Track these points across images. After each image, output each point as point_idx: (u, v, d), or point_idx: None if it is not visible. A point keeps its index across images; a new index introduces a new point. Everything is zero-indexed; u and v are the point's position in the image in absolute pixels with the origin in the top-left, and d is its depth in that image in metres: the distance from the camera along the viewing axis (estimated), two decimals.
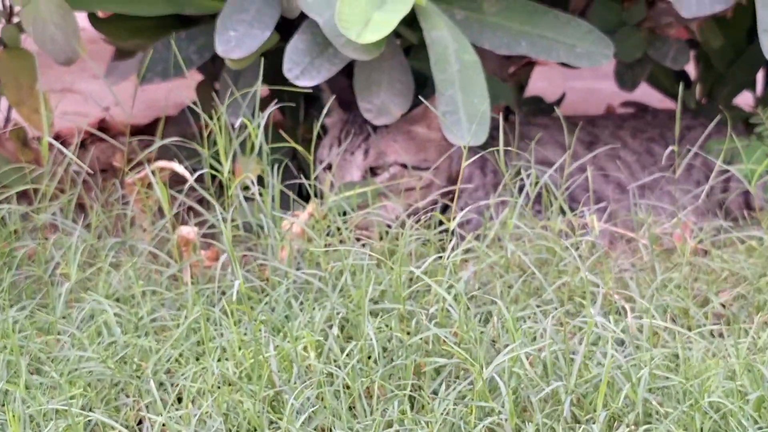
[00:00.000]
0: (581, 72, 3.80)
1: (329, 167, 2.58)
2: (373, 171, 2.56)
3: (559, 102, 3.45)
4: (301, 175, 2.73)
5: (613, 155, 2.95)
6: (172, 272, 2.01)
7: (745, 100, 3.28)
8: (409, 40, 2.64)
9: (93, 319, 1.86)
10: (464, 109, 2.38)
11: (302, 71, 2.34)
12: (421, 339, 1.78)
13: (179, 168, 2.32)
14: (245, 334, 1.83)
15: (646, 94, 3.34)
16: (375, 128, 2.57)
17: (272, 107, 2.17)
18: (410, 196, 2.54)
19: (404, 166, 2.58)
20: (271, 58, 2.57)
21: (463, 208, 2.61)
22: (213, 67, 2.92)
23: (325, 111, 2.40)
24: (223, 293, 1.99)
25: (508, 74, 3.22)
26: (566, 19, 2.57)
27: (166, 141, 2.21)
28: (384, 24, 2.25)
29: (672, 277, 2.18)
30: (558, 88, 3.94)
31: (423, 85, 2.60)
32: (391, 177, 2.57)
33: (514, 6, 2.56)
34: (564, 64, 2.70)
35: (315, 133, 2.31)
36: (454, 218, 2.46)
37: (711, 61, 3.19)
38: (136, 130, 3.44)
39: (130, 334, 1.84)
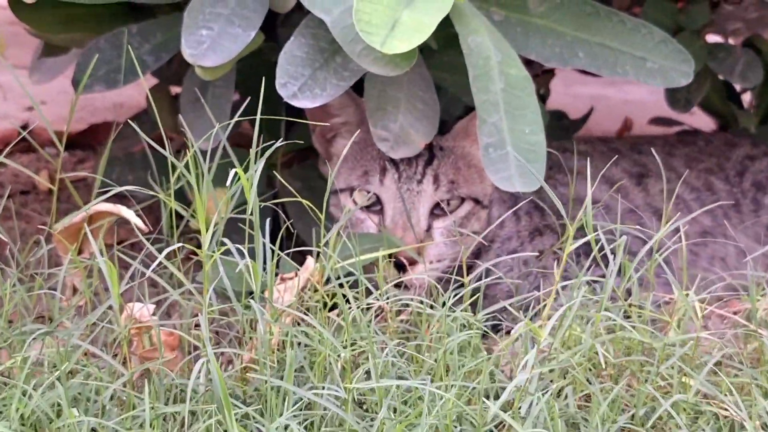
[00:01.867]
0: (585, 76, 3.24)
1: (377, 204, 1.92)
2: (438, 208, 1.94)
3: (585, 118, 2.87)
4: (283, 214, 2.12)
5: (668, 190, 2.37)
6: (119, 383, 1.38)
7: None
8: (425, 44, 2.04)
9: None
10: (512, 141, 1.78)
11: (301, 87, 1.72)
12: None
13: (129, 214, 1.70)
14: None
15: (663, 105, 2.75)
16: (431, 150, 1.96)
17: (273, 148, 1.54)
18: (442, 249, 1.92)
19: (477, 201, 1.98)
20: (249, 61, 1.96)
21: (493, 265, 2.02)
22: (169, 69, 2.30)
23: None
24: (193, 414, 1.38)
25: None
26: (634, 25, 1.97)
27: (122, 189, 1.56)
28: (418, 27, 1.63)
29: None
30: (560, 95, 3.37)
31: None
32: (465, 217, 1.96)
33: (567, 5, 1.96)
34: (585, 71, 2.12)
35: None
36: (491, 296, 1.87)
37: None
38: (68, 140, 2.79)
39: None
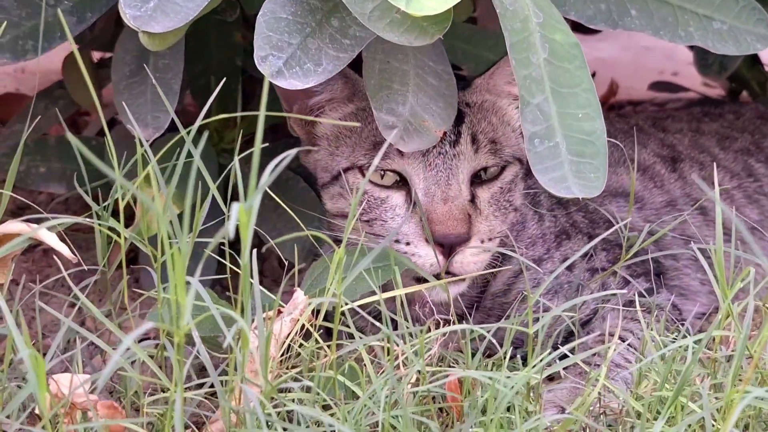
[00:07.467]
0: None
1: (398, 182, 1.48)
2: (476, 176, 1.50)
3: None
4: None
5: (706, 177, 1.97)
6: None
7: None
8: None
9: None
10: (563, 130, 1.35)
11: (287, 62, 1.25)
12: None
13: (51, 240, 1.23)
14: None
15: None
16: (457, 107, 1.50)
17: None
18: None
19: (520, 161, 1.54)
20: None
21: (517, 276, 1.59)
22: (91, 30, 1.81)
23: None
24: None
25: None
26: None
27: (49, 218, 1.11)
28: None
29: None
30: None
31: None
32: (511, 183, 1.53)
33: None
34: None
35: None
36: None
37: None
38: None
39: None
